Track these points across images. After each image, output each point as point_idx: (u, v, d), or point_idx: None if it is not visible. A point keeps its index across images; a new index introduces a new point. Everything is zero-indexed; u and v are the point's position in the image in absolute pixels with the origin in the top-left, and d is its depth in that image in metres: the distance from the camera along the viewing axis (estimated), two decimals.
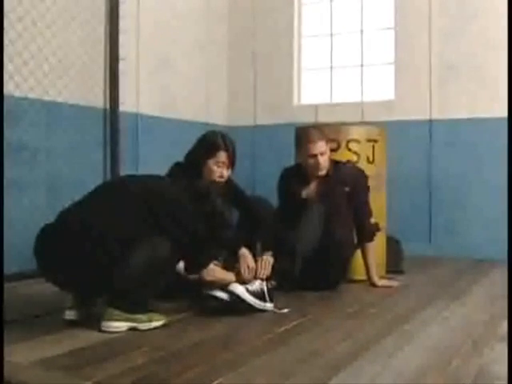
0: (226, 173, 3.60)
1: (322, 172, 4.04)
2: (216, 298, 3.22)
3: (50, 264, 2.88)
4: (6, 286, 3.63)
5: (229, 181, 3.75)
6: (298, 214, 3.94)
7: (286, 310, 3.32)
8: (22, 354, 2.49)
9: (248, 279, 3.43)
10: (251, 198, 4.09)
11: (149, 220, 2.93)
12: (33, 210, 4.31)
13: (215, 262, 3.41)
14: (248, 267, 3.48)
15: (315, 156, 3.98)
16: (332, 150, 4.21)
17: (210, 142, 3.61)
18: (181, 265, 3.15)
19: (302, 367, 2.36)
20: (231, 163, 3.62)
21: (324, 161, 4.00)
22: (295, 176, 4.16)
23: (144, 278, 2.83)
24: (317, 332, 2.94)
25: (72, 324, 2.95)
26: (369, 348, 2.62)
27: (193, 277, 3.29)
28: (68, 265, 2.81)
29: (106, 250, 2.77)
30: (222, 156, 3.56)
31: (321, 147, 3.98)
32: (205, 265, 3.23)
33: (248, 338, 2.83)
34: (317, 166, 4.00)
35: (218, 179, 3.56)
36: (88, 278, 2.84)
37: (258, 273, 3.50)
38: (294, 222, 3.91)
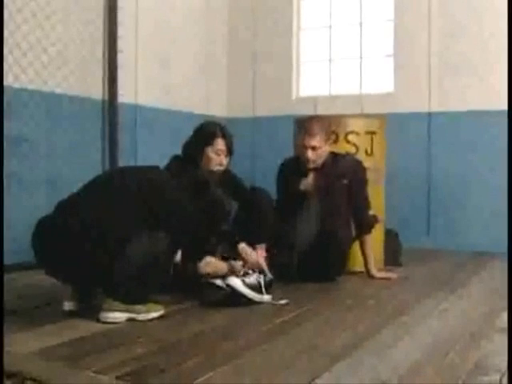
0: (224, 161, 3.61)
1: (311, 165, 4.03)
2: (214, 285, 3.22)
3: (49, 260, 2.88)
4: (6, 276, 3.63)
5: (227, 171, 3.76)
6: (295, 207, 3.95)
7: (283, 302, 3.32)
8: (21, 344, 2.49)
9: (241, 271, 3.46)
10: (250, 189, 4.08)
11: (149, 220, 2.93)
12: (32, 199, 4.31)
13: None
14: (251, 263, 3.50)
15: (305, 148, 3.98)
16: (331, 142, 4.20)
17: (208, 130, 3.62)
18: (178, 256, 3.15)
19: (301, 358, 2.36)
20: (229, 151, 3.62)
21: (313, 155, 3.98)
22: (293, 168, 4.16)
23: (143, 274, 2.83)
24: (315, 324, 2.94)
25: (71, 314, 2.96)
26: (367, 340, 2.63)
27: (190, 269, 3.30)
28: (68, 263, 2.81)
29: (106, 250, 2.77)
30: (220, 143, 3.57)
31: (313, 141, 3.96)
32: (200, 258, 3.23)
33: (247, 329, 2.83)
34: (305, 158, 4.00)
35: (217, 167, 3.57)
36: (88, 276, 2.85)
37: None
38: (291, 216, 3.91)
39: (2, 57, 4.04)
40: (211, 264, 3.30)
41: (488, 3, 5.55)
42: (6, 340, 2.44)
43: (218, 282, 3.23)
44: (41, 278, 3.22)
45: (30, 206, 4.24)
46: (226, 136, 3.59)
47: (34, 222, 2.93)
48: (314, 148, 3.97)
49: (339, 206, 4.06)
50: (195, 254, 3.20)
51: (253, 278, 3.34)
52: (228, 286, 3.22)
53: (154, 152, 5.20)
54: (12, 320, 2.83)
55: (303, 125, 4.09)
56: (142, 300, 2.93)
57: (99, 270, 2.80)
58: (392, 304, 3.41)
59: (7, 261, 3.89)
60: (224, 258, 3.48)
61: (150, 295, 3.01)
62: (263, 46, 6.66)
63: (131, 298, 2.88)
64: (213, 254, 3.43)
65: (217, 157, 3.56)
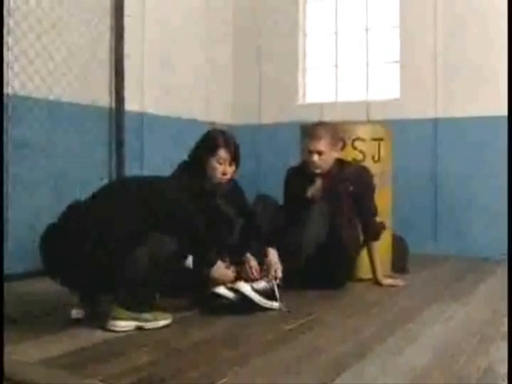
0: (228, 169, 3.60)
1: (316, 170, 4.02)
2: (221, 296, 3.22)
3: (53, 264, 2.89)
4: (9, 285, 3.63)
5: (233, 181, 3.75)
6: (302, 213, 3.93)
7: (287, 309, 3.32)
8: (25, 353, 2.48)
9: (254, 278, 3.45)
10: (256, 196, 4.07)
11: (149, 220, 2.93)
12: (38, 209, 4.31)
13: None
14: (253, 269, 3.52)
15: (310, 153, 3.97)
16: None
17: (211, 139, 3.63)
18: (190, 260, 3.15)
19: (306, 367, 2.35)
20: (234, 160, 3.62)
21: (319, 159, 3.97)
22: (300, 174, 4.15)
23: (149, 276, 2.83)
24: (321, 331, 2.93)
25: (75, 323, 2.95)
26: (373, 347, 2.61)
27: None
28: (70, 265, 2.81)
29: (106, 250, 2.77)
30: (223, 153, 3.58)
31: (319, 146, 3.95)
32: (213, 262, 3.23)
33: (252, 336, 2.82)
34: (310, 163, 3.99)
35: (220, 176, 3.57)
36: (91, 277, 2.85)
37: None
38: (298, 222, 3.90)
39: (2, 62, 4.05)
40: (220, 270, 3.29)
41: (496, 9, 5.53)
42: (10, 349, 2.44)
43: (227, 292, 3.22)
44: (44, 286, 3.22)
45: (34, 211, 4.25)
46: (229, 145, 3.59)
47: (39, 232, 2.94)
48: (319, 152, 3.97)
49: (346, 212, 4.04)
50: (206, 257, 3.20)
51: (262, 284, 3.33)
52: (237, 291, 3.21)
53: (159, 159, 5.21)
54: (15, 328, 2.83)
55: (309, 130, 4.09)
56: (149, 305, 2.93)
57: (101, 273, 2.80)
58: (397, 311, 3.40)
59: (12, 269, 3.89)
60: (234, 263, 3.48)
61: (158, 303, 3.01)
62: (268, 52, 6.66)
63: (138, 303, 2.87)
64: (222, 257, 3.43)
65: (220, 166, 3.56)
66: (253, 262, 3.56)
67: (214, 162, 3.55)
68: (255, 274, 3.53)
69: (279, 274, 3.57)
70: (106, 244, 2.79)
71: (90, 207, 2.99)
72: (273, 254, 3.66)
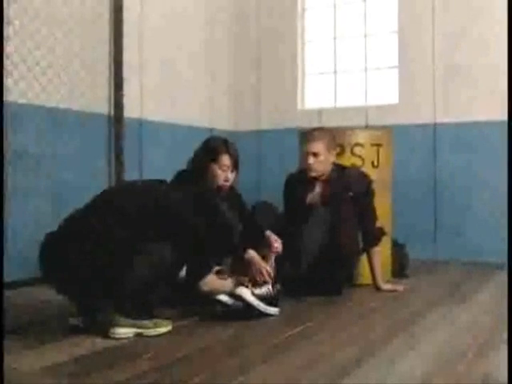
0: (230, 176, 3.62)
1: (312, 173, 4.02)
2: (220, 302, 3.21)
3: (53, 271, 2.88)
4: (11, 292, 3.62)
5: (233, 187, 3.76)
6: (302, 218, 3.94)
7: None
8: (26, 362, 2.48)
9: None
10: (254, 205, 4.06)
11: (149, 223, 2.93)
12: (37, 216, 4.31)
13: (219, 268, 3.40)
14: (261, 272, 3.42)
15: (307, 155, 3.98)
16: (336, 154, 4.19)
17: (213, 146, 3.64)
18: (183, 272, 3.14)
19: (308, 373, 2.35)
20: (235, 166, 3.64)
21: (315, 162, 3.97)
22: (300, 180, 4.15)
23: (149, 284, 2.83)
24: (322, 337, 2.93)
25: (77, 331, 2.94)
26: (374, 353, 2.61)
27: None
28: (69, 272, 2.81)
29: (106, 254, 2.77)
30: (225, 159, 3.59)
31: (314, 147, 3.96)
32: (202, 275, 3.21)
33: (253, 343, 2.82)
34: (307, 166, 3.99)
35: (222, 183, 3.58)
36: (90, 284, 2.84)
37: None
38: (299, 227, 3.90)
39: (2, 68, 4.05)
40: (211, 283, 3.27)
41: (494, 16, 5.54)
42: (11, 357, 2.43)
43: (225, 298, 3.21)
44: (45, 295, 3.21)
45: (34, 218, 4.25)
46: (230, 151, 3.61)
47: (39, 240, 2.94)
48: (315, 154, 3.97)
49: (346, 217, 4.04)
50: (197, 270, 3.19)
51: (262, 289, 3.32)
52: (237, 296, 3.20)
53: (158, 166, 5.21)
54: (16, 337, 2.82)
55: (307, 134, 4.11)
56: (149, 313, 2.92)
57: (101, 279, 2.79)
58: (399, 316, 3.39)
59: (12, 277, 3.88)
60: (233, 272, 3.46)
61: (158, 310, 3.00)
62: (267, 58, 6.67)
63: (137, 310, 2.87)
64: (219, 264, 3.41)
65: (222, 172, 3.58)
66: (263, 265, 3.46)
67: (216, 169, 3.57)
68: (267, 276, 3.39)
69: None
70: (105, 250, 2.79)
71: (89, 213, 2.99)
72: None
